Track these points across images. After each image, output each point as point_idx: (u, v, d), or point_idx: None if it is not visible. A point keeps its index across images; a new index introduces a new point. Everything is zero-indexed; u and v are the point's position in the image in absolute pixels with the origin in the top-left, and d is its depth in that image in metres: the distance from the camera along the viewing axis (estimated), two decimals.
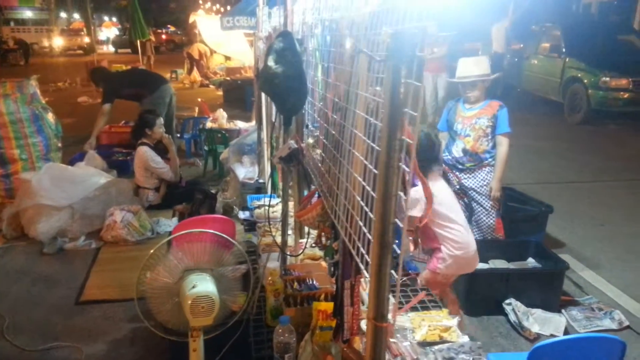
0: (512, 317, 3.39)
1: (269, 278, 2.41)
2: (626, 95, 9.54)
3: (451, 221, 2.73)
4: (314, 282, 2.45)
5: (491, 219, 4.07)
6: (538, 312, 3.41)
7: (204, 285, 2.10)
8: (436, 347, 2.18)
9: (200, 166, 6.12)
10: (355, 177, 1.43)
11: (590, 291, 3.88)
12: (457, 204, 2.89)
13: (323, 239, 1.99)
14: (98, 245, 4.47)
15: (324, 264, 2.64)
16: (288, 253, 2.73)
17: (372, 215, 1.19)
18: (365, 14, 1.52)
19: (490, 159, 3.99)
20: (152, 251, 2.09)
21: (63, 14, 41.99)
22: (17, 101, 5.41)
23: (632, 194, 6.18)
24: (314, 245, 2.11)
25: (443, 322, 2.31)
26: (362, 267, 1.33)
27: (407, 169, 1.06)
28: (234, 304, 2.57)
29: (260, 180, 4.51)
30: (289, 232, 2.87)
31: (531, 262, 3.88)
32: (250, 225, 3.60)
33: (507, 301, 3.46)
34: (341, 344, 1.82)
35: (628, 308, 3.65)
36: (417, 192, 2.61)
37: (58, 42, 31.77)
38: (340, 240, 1.66)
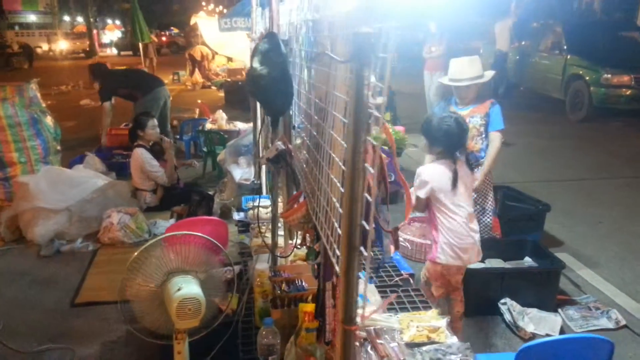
0: (507, 317, 3.37)
1: (257, 279, 2.40)
2: (628, 92, 9.49)
3: (449, 210, 2.74)
4: (303, 284, 2.44)
5: (488, 217, 4.05)
6: (534, 311, 3.39)
7: (189, 287, 2.10)
8: (424, 348, 2.17)
9: (197, 167, 6.13)
10: (332, 179, 1.42)
11: (588, 290, 3.85)
12: (465, 196, 2.80)
13: (307, 240, 1.98)
14: (95, 247, 4.49)
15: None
16: (278, 254, 2.73)
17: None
18: (342, 14, 1.51)
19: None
20: (135, 254, 2.09)
21: (67, 18, 42.17)
22: (16, 105, 5.43)
23: (633, 191, 6.14)
24: (299, 246, 2.10)
25: (431, 322, 2.30)
26: (337, 268, 1.32)
27: (371, 170, 1.05)
28: (223, 306, 2.57)
29: (257, 182, 4.50)
30: (280, 233, 2.87)
31: (528, 261, 3.86)
32: (245, 227, 3.60)
33: (503, 301, 3.45)
34: (324, 346, 1.82)
35: (626, 307, 3.63)
36: (425, 175, 2.78)
37: (62, 45, 31.90)
38: (322, 241, 1.66)
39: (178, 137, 7.80)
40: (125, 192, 5.04)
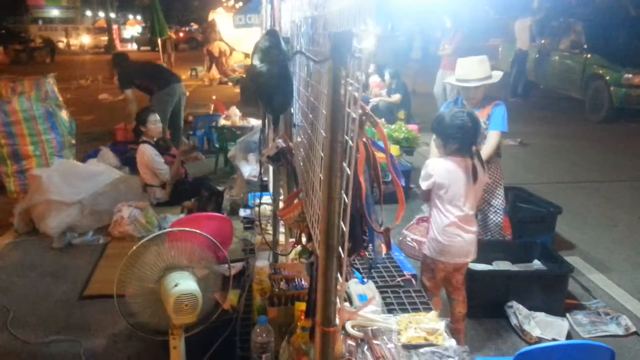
0: (513, 320, 3.32)
1: (256, 277, 2.40)
2: None
3: (444, 208, 2.77)
4: (302, 282, 2.44)
5: (498, 217, 4.00)
6: (540, 315, 3.33)
7: (186, 283, 2.11)
8: (421, 350, 2.15)
9: (203, 160, 6.16)
10: (321, 178, 1.41)
11: (599, 295, 3.78)
12: (471, 194, 2.78)
13: (303, 239, 1.98)
14: (106, 240, 4.55)
15: None
16: (278, 252, 2.72)
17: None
18: (333, 13, 1.50)
19: (495, 157, 3.90)
20: (132, 249, 2.10)
21: (88, 13, 42.74)
22: (31, 99, 5.53)
23: None
24: (295, 245, 2.09)
25: (430, 324, 2.27)
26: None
27: (348, 170, 1.04)
28: (223, 303, 2.59)
29: (265, 178, 4.51)
30: (282, 230, 2.87)
31: (536, 264, 3.79)
32: (250, 223, 3.61)
33: (509, 304, 3.40)
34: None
35: (637, 313, 3.55)
36: (431, 168, 2.79)
37: (83, 40, 32.30)
38: (313, 240, 1.65)
39: (191, 132, 7.85)
40: (136, 187, 5.09)
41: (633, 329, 3.31)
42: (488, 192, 3.95)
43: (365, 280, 2.39)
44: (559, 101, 11.61)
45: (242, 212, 3.82)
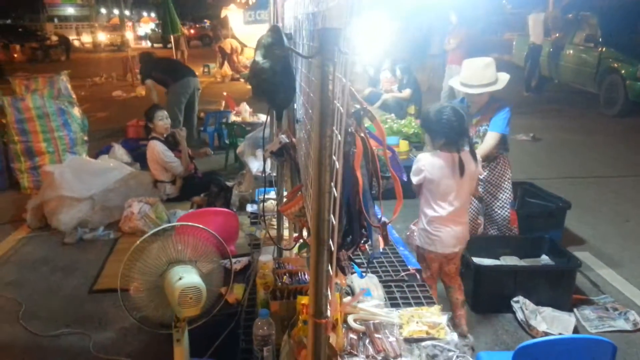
0: (519, 315, 3.31)
1: (260, 271, 2.42)
2: None
3: (434, 202, 2.85)
4: (306, 276, 2.45)
5: (505, 211, 3.98)
6: (547, 310, 3.32)
7: (190, 276, 2.13)
8: (422, 343, 2.16)
9: (212, 154, 6.21)
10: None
11: (608, 290, 3.75)
12: (462, 188, 2.84)
13: (305, 233, 1.99)
14: (116, 235, 4.61)
15: None
16: (282, 246, 2.74)
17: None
18: (331, 9, 1.51)
19: (503, 152, 3.87)
20: (136, 243, 2.14)
21: (103, 10, 43.10)
22: (44, 96, 5.61)
23: None
24: (297, 239, 2.11)
25: (432, 318, 2.28)
26: None
27: (337, 165, 1.05)
28: (227, 296, 2.62)
29: (273, 174, 4.54)
30: (287, 225, 2.89)
31: (544, 259, 3.78)
32: (256, 218, 3.63)
33: (515, 299, 3.39)
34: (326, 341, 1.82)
35: None
36: (422, 163, 2.86)
37: (98, 37, 32.53)
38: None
39: (202, 128, 7.90)
40: (147, 183, 5.15)
41: None
42: (495, 185, 3.93)
43: (364, 274, 2.40)
44: (573, 95, 11.48)
45: (249, 208, 3.85)
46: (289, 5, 2.56)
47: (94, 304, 3.59)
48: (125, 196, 4.85)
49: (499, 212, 3.98)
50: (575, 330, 3.23)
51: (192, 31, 33.53)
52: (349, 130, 1.56)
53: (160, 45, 28.29)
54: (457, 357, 2.05)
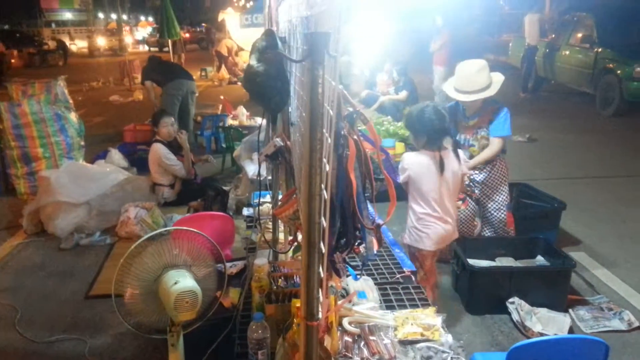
0: (515, 316, 3.32)
1: (255, 275, 2.43)
2: None
3: (421, 199, 2.95)
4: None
5: (502, 213, 4.00)
6: (542, 311, 3.33)
7: (185, 280, 2.13)
8: (417, 345, 2.16)
9: (213, 162, 6.22)
10: None
11: (603, 290, 3.76)
12: (446, 185, 2.93)
13: (299, 236, 2.00)
14: (113, 240, 4.61)
15: None
16: (278, 250, 2.75)
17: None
18: (322, 13, 1.51)
19: (500, 154, 3.89)
20: (130, 248, 2.14)
21: (101, 15, 43.12)
22: (41, 102, 5.61)
23: None
24: (292, 243, 2.12)
25: (427, 320, 2.29)
26: None
27: (327, 167, 1.06)
28: (222, 300, 2.62)
29: (269, 177, 4.54)
30: (282, 228, 2.89)
31: (539, 260, 3.79)
32: (253, 222, 3.63)
33: (511, 300, 3.40)
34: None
35: None
36: (407, 162, 2.96)
37: (95, 42, 32.46)
38: None
39: (199, 132, 7.91)
40: (143, 187, 5.15)
41: (636, 324, 3.29)
42: (492, 188, 3.94)
43: (358, 276, 2.40)
44: (569, 96, 11.52)
45: (246, 211, 3.86)
46: (284, 9, 2.57)
47: (90, 309, 3.59)
48: (121, 201, 4.85)
49: (495, 214, 3.99)
50: (571, 331, 3.24)
51: (187, 35, 33.48)
52: (342, 132, 1.58)
53: (156, 49, 28.28)
54: (452, 358, 2.06)
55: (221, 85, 15.11)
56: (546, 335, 3.15)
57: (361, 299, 2.52)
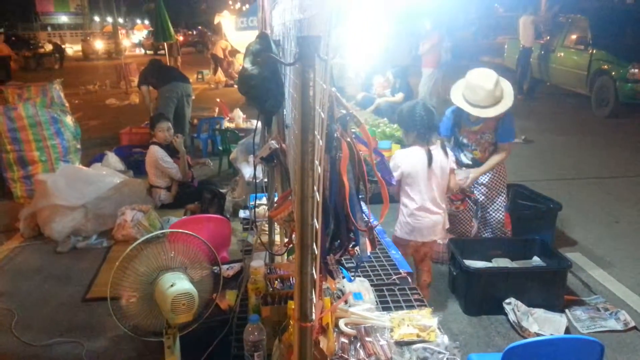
0: (511, 317, 3.33)
1: (251, 277, 2.43)
2: None
3: (412, 193, 3.11)
4: None
5: (500, 214, 4.02)
6: (539, 312, 3.34)
7: (181, 283, 2.15)
8: (413, 346, 2.17)
9: (211, 165, 6.23)
10: None
11: (599, 290, 3.78)
12: (428, 184, 3.09)
13: (294, 238, 2.00)
14: (109, 244, 4.60)
15: None
16: (274, 252, 2.75)
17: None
18: (314, 17, 1.52)
19: None
20: (126, 252, 2.14)
21: (97, 18, 43.06)
22: (37, 105, 5.60)
23: None
24: (287, 245, 2.12)
25: (423, 321, 2.30)
26: None
27: (319, 169, 1.07)
28: (220, 303, 2.63)
29: (265, 180, 4.55)
30: (278, 230, 2.90)
31: (536, 260, 3.80)
32: (249, 224, 3.64)
33: (507, 300, 3.41)
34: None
35: (637, 308, 3.55)
36: (399, 160, 3.12)
37: (92, 46, 32.41)
38: None
39: (195, 135, 7.91)
40: (140, 190, 5.14)
41: (632, 324, 3.30)
42: (494, 190, 3.97)
43: (352, 278, 2.41)
44: (564, 97, 11.56)
45: (242, 214, 3.86)
46: (277, 13, 2.58)
47: (87, 312, 3.58)
48: (118, 204, 4.84)
49: (494, 215, 4.01)
50: (567, 331, 3.25)
51: (181, 38, 33.44)
52: (335, 135, 1.59)
53: (151, 52, 28.26)
54: (447, 359, 2.07)
55: (217, 88, 15.12)
56: (543, 335, 3.17)
57: (357, 300, 2.53)
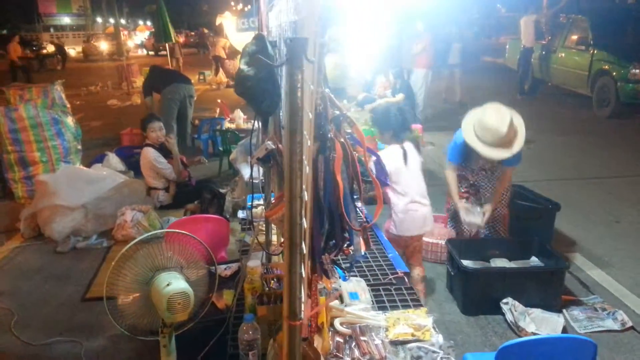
0: (509, 317, 3.34)
1: (248, 276, 2.44)
2: None
3: (400, 191, 3.24)
4: None
5: (504, 209, 4.01)
6: (536, 312, 3.35)
7: (177, 282, 2.16)
8: (408, 345, 2.18)
9: (205, 163, 6.26)
10: None
11: (597, 291, 3.78)
12: (413, 178, 3.26)
13: None
14: (109, 244, 4.63)
15: None
16: (270, 252, 2.77)
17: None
18: (304, 19, 1.54)
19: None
20: (122, 252, 2.16)
21: (99, 20, 43.18)
22: (37, 106, 5.63)
23: None
24: (281, 245, 2.14)
25: (418, 321, 2.30)
26: None
27: (307, 169, 1.08)
28: (217, 302, 2.64)
29: (263, 180, 4.56)
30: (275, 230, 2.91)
31: (534, 261, 3.81)
32: (247, 225, 3.65)
33: (505, 300, 3.42)
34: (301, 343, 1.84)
35: (634, 308, 3.55)
36: (387, 161, 3.17)
37: (92, 47, 32.46)
38: None
39: (196, 136, 7.94)
40: (140, 190, 5.17)
41: (629, 323, 3.31)
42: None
43: (347, 277, 2.42)
44: (565, 98, 11.55)
45: (241, 214, 3.87)
46: (274, 14, 2.60)
47: (86, 312, 3.60)
48: (118, 204, 4.87)
49: (499, 210, 4.00)
50: (564, 331, 3.25)
51: (181, 39, 33.46)
52: (329, 135, 1.60)
53: (152, 53, 28.30)
54: (442, 358, 2.08)
55: (219, 89, 15.16)
56: (540, 335, 3.18)
57: (354, 300, 2.54)
